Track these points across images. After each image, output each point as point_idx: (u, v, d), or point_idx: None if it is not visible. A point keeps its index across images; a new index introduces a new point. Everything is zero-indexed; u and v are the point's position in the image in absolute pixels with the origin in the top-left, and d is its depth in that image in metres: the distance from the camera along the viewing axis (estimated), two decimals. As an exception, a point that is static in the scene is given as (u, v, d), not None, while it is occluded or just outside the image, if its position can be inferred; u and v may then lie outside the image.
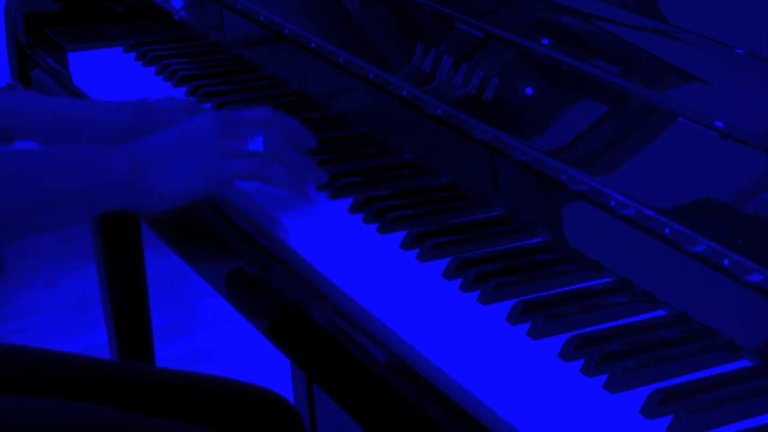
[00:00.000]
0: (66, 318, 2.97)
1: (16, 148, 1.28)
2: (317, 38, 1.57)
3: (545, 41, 1.30)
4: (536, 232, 1.25)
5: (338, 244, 1.24)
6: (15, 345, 1.52)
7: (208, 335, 2.94)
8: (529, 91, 1.31)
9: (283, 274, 1.27)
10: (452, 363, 1.05)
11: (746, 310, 1.05)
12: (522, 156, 1.26)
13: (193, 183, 1.25)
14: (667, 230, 1.10)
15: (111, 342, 2.09)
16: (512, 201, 1.29)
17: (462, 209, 1.30)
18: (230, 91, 1.63)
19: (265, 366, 2.59)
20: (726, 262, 1.05)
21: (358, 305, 1.17)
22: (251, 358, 2.79)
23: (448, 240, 1.22)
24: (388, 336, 1.13)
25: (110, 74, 1.74)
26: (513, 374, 1.03)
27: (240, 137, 1.27)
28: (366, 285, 1.17)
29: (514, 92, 1.31)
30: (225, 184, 1.30)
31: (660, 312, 1.11)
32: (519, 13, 1.36)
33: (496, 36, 1.34)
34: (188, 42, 1.83)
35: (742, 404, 0.98)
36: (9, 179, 1.19)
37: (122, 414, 1.36)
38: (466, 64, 1.35)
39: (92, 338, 2.84)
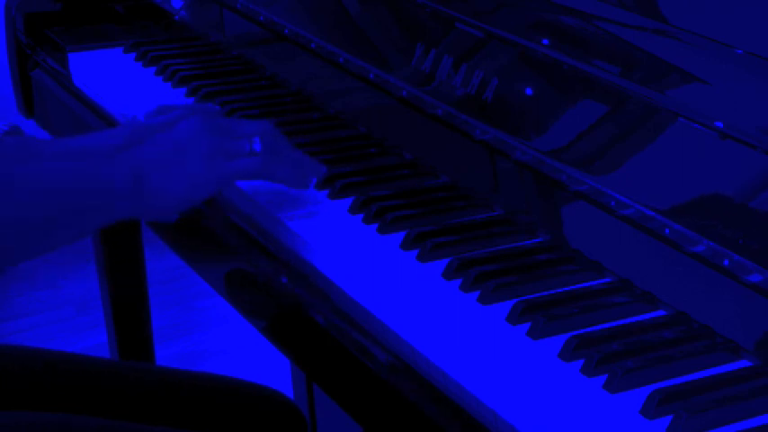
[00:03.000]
0: (67, 318, 2.97)
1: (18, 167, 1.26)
2: (317, 38, 1.57)
3: (545, 41, 1.30)
4: (536, 232, 1.25)
5: (338, 244, 1.24)
6: (15, 345, 1.52)
7: (208, 335, 2.94)
8: (529, 91, 1.31)
9: (283, 273, 1.27)
10: (452, 363, 1.05)
11: (746, 310, 1.05)
12: (522, 156, 1.26)
13: (196, 183, 1.24)
14: (667, 230, 1.10)
15: (111, 342, 2.09)
16: (512, 201, 1.29)
17: (462, 209, 1.31)
18: (230, 91, 1.63)
19: (265, 366, 2.60)
20: (726, 262, 1.05)
21: (358, 305, 1.17)
22: (251, 358, 2.79)
23: (448, 240, 1.22)
24: (388, 335, 1.13)
25: (110, 74, 1.74)
26: (514, 374, 1.03)
27: (235, 136, 1.27)
28: (366, 285, 1.17)
29: (514, 92, 1.31)
30: (227, 184, 1.30)
31: (660, 312, 1.12)
32: (519, 13, 1.36)
33: (496, 36, 1.34)
34: (188, 42, 1.83)
35: (742, 404, 0.98)
36: (12, 194, 1.19)
37: (110, 422, 1.36)
38: (466, 64, 1.35)
39: (92, 338, 2.84)
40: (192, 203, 1.27)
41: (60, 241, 1.23)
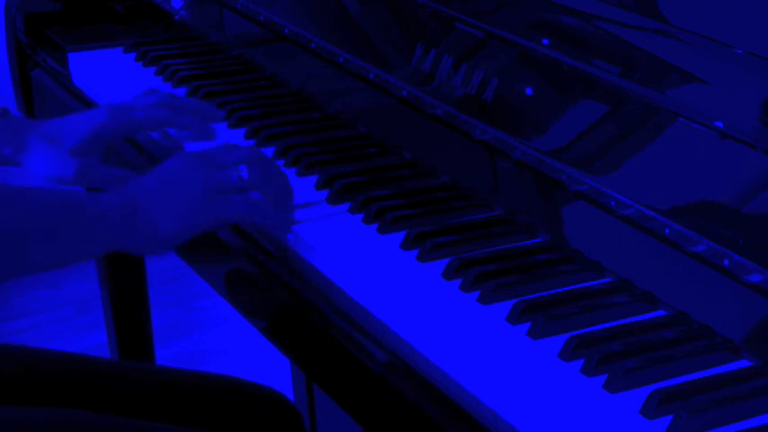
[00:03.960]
0: (67, 318, 2.97)
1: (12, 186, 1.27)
2: (317, 38, 1.57)
3: (545, 41, 1.30)
4: (536, 232, 1.25)
5: (338, 244, 1.24)
6: (15, 345, 1.52)
7: (208, 335, 2.94)
8: (529, 91, 1.31)
9: (283, 273, 1.27)
10: (452, 362, 1.05)
11: (746, 310, 1.05)
12: (522, 156, 1.26)
13: (191, 217, 1.24)
14: (667, 230, 1.10)
15: (111, 342, 2.09)
16: (512, 201, 1.29)
17: (462, 209, 1.31)
18: (230, 91, 1.63)
19: (265, 366, 2.59)
20: (726, 262, 1.05)
21: (358, 305, 1.17)
22: (251, 358, 2.79)
23: (448, 240, 1.22)
24: (388, 335, 1.13)
25: (110, 74, 1.74)
26: (514, 374, 1.03)
27: (223, 167, 1.27)
28: (366, 285, 1.17)
29: (514, 92, 1.31)
30: (221, 224, 1.29)
31: (660, 312, 1.12)
32: (519, 13, 1.36)
33: (496, 36, 1.34)
34: (188, 42, 1.83)
35: (742, 404, 0.98)
36: (9, 213, 1.19)
37: (107, 418, 1.36)
38: (466, 64, 1.35)
39: (92, 338, 2.84)
40: (185, 238, 1.26)
41: (45, 265, 1.23)
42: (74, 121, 1.44)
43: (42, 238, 1.19)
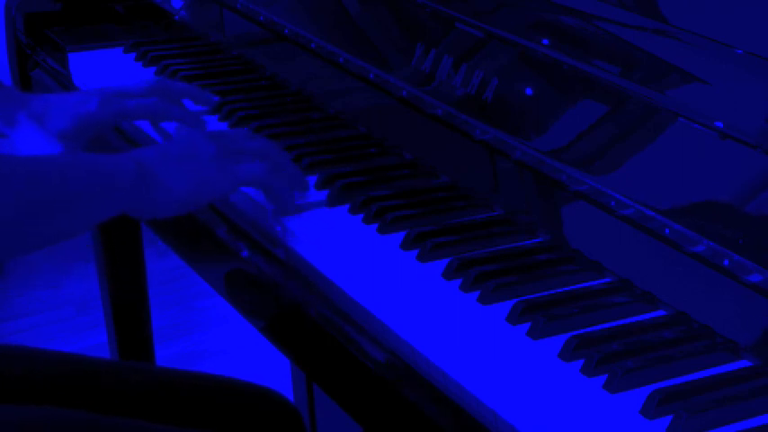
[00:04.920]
0: (67, 318, 2.97)
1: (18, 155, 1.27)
2: (317, 38, 1.57)
3: (545, 41, 1.30)
4: (536, 232, 1.25)
5: (338, 244, 1.24)
6: (15, 345, 1.52)
7: (208, 335, 2.94)
8: (529, 91, 1.31)
9: (283, 273, 1.27)
10: (452, 362, 1.05)
11: (746, 310, 1.05)
12: (522, 156, 1.26)
13: (204, 182, 1.24)
14: (667, 230, 1.10)
15: (111, 342, 2.09)
16: (512, 201, 1.29)
17: (462, 209, 1.31)
18: (230, 91, 1.63)
19: (265, 366, 2.59)
20: (726, 262, 1.05)
21: (358, 305, 1.17)
22: (251, 358, 2.79)
23: (448, 240, 1.22)
24: (388, 335, 1.13)
25: (110, 74, 1.74)
26: (514, 374, 1.03)
27: (237, 147, 1.27)
28: (366, 285, 1.17)
29: (514, 92, 1.31)
30: (234, 188, 1.28)
31: (660, 312, 1.12)
32: (519, 13, 1.36)
33: (496, 36, 1.34)
34: (188, 42, 1.83)
35: (742, 404, 0.98)
36: (19, 179, 1.18)
37: (105, 418, 1.35)
38: (466, 64, 1.35)
39: (92, 338, 2.84)
40: (196, 205, 1.26)
41: (53, 234, 1.21)
42: (63, 103, 1.41)
43: (64, 206, 1.18)
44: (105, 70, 1.75)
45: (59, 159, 1.24)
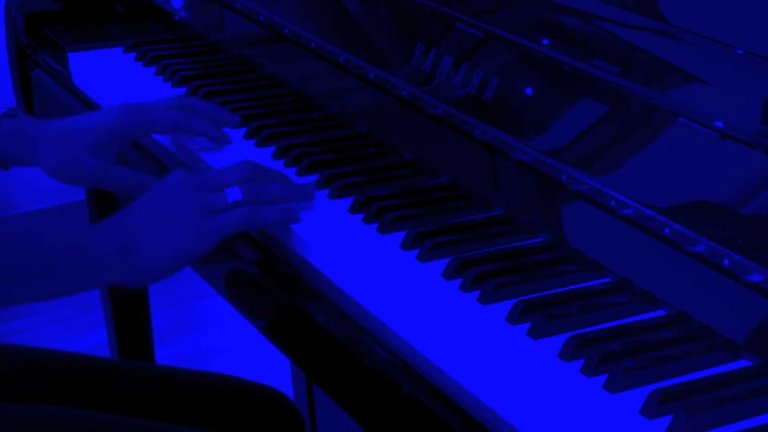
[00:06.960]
0: (67, 318, 2.97)
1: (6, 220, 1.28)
2: (317, 38, 1.57)
3: (545, 41, 1.30)
4: (536, 232, 1.25)
5: (338, 244, 1.24)
6: (15, 345, 1.52)
7: (208, 335, 2.94)
8: (529, 91, 1.31)
9: (283, 273, 1.27)
10: (452, 362, 1.05)
11: (746, 310, 1.05)
12: (522, 156, 1.26)
13: (185, 247, 1.24)
14: (667, 230, 1.10)
15: (111, 342, 2.09)
16: (512, 201, 1.29)
17: (462, 209, 1.31)
18: (230, 91, 1.63)
19: (265, 366, 2.60)
20: (726, 262, 1.05)
21: (358, 305, 1.17)
22: (251, 358, 2.79)
23: (448, 240, 1.22)
24: (388, 335, 1.13)
25: (110, 74, 1.74)
26: (513, 374, 1.03)
27: (215, 189, 1.26)
28: (366, 285, 1.17)
29: (514, 92, 1.31)
30: (215, 243, 1.26)
31: (660, 312, 1.11)
32: (519, 13, 1.36)
33: (496, 36, 1.34)
34: (188, 42, 1.83)
35: (742, 404, 0.98)
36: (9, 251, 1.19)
37: (104, 415, 1.36)
38: (466, 64, 1.35)
39: (92, 338, 2.84)
40: (181, 268, 1.25)
41: (34, 297, 1.25)
42: (86, 121, 1.42)
43: (39, 275, 1.20)
44: (105, 70, 1.75)
45: (42, 228, 1.25)
